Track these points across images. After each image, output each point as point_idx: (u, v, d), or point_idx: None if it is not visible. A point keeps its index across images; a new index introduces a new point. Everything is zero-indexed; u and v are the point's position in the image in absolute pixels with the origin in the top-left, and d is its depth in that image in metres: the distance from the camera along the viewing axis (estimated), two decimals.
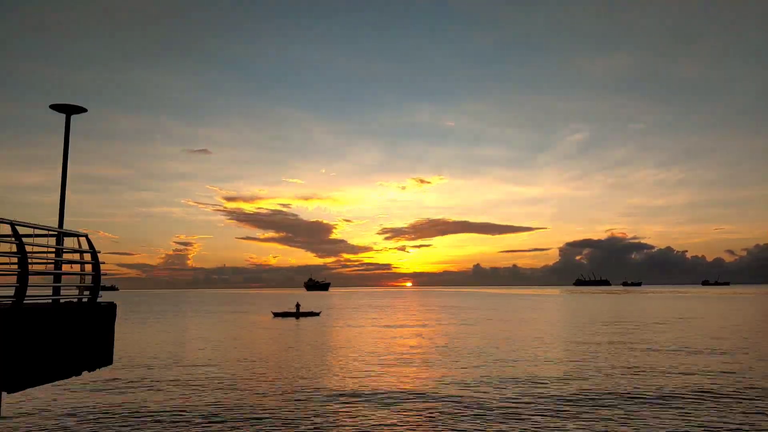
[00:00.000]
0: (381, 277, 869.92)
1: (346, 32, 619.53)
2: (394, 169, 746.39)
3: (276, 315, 72.19)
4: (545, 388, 21.72)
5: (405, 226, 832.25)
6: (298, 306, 74.23)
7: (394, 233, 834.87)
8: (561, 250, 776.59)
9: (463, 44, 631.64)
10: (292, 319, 65.50)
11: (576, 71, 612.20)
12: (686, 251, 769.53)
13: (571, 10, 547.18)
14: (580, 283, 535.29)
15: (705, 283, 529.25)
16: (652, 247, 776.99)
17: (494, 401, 19.33)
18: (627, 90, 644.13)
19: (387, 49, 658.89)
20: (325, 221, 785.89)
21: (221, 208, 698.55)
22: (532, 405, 18.81)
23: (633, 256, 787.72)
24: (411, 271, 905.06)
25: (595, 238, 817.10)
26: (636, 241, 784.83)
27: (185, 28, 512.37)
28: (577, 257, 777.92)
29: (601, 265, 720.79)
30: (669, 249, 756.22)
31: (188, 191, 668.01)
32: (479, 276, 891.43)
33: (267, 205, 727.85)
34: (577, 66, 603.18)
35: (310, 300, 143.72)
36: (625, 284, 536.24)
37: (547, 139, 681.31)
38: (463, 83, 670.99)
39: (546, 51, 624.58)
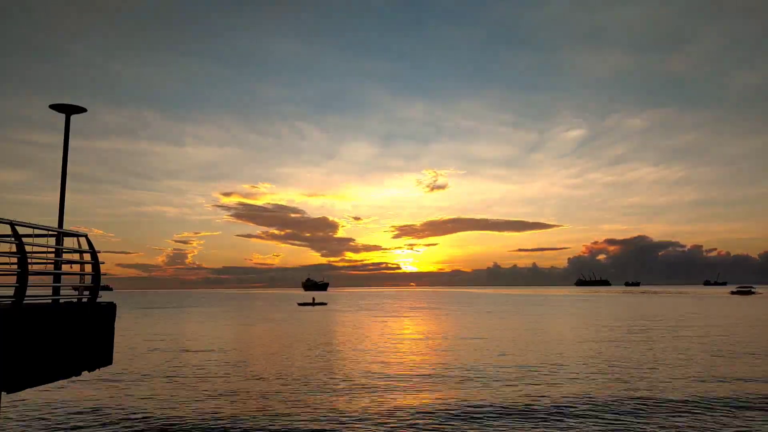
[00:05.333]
0: (388, 277, 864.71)
1: (340, 30, 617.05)
2: (398, 166, 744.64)
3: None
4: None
5: (413, 224, 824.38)
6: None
7: (402, 232, 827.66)
8: (587, 248, 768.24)
9: (457, 40, 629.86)
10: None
11: (573, 68, 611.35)
12: (715, 249, 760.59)
13: (568, 5, 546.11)
14: (581, 283, 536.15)
15: (707, 283, 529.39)
16: (683, 246, 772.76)
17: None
18: (625, 87, 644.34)
19: (380, 46, 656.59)
20: (330, 218, 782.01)
21: (219, 206, 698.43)
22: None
23: (656, 256, 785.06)
24: (419, 270, 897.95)
25: (603, 237, 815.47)
26: (666, 240, 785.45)
27: (181, 26, 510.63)
28: (599, 257, 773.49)
29: (622, 265, 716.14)
30: (697, 248, 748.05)
31: (185, 189, 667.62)
32: (492, 276, 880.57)
33: (268, 203, 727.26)
34: (573, 63, 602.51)
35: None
36: (627, 284, 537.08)
37: (543, 136, 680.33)
38: (458, 81, 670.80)
39: (542, 48, 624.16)
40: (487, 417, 17.22)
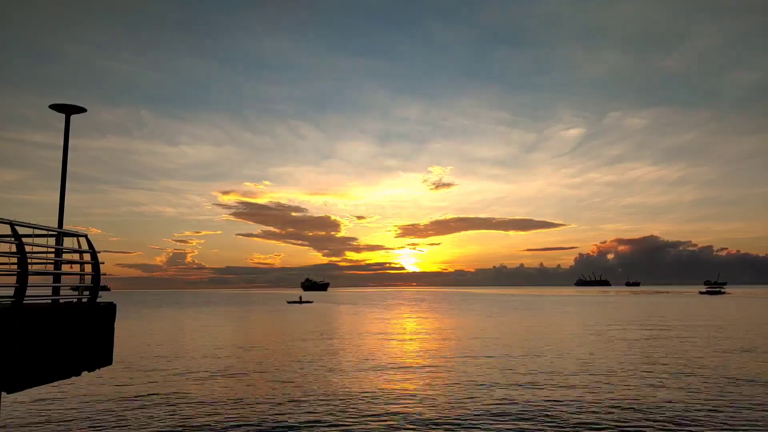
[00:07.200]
0: (390, 277, 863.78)
1: (336, 29, 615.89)
2: (397, 166, 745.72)
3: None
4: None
5: (417, 223, 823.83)
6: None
7: (405, 231, 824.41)
8: (597, 248, 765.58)
9: (454, 40, 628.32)
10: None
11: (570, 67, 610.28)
12: (725, 249, 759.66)
13: (566, 3, 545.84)
14: (581, 283, 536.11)
15: (707, 282, 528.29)
16: (694, 246, 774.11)
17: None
18: (624, 86, 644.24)
19: (376, 45, 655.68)
20: (332, 217, 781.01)
21: (218, 204, 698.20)
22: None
23: (665, 256, 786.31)
24: (422, 270, 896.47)
25: (605, 237, 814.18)
26: (676, 239, 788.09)
27: (177, 26, 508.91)
28: (609, 256, 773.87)
29: (631, 265, 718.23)
30: (708, 248, 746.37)
31: (182, 189, 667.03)
32: (498, 276, 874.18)
33: (268, 201, 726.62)
34: (571, 61, 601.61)
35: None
36: (627, 284, 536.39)
37: (542, 135, 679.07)
38: (455, 80, 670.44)
39: (540, 46, 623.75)
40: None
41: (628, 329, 48.77)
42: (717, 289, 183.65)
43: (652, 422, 16.41)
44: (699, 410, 17.86)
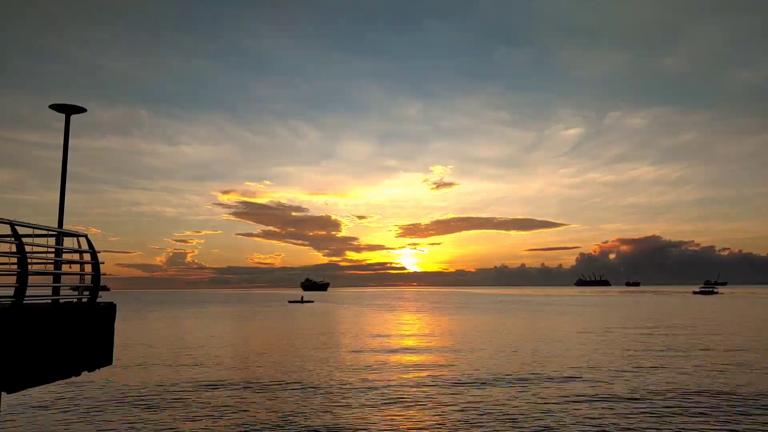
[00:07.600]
0: (390, 277, 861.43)
1: (335, 28, 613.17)
2: (397, 166, 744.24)
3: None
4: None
5: (418, 223, 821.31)
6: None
7: (406, 231, 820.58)
8: (599, 247, 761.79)
9: (453, 39, 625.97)
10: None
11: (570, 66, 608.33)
12: (727, 249, 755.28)
13: (565, 2, 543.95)
14: (581, 283, 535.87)
15: (707, 282, 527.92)
16: (697, 245, 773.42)
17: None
18: (624, 85, 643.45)
19: (375, 44, 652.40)
20: (333, 217, 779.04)
21: (218, 203, 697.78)
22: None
23: (667, 256, 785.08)
24: (422, 270, 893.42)
25: (605, 237, 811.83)
26: (678, 239, 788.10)
27: (176, 26, 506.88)
28: (611, 256, 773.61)
29: (633, 264, 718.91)
30: (710, 248, 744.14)
31: (181, 189, 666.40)
32: (499, 275, 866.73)
33: (269, 201, 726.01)
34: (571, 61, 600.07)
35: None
36: (627, 284, 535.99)
37: (541, 135, 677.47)
38: (455, 79, 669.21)
39: (539, 45, 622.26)
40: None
41: (584, 331, 47.38)
42: (710, 289, 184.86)
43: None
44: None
